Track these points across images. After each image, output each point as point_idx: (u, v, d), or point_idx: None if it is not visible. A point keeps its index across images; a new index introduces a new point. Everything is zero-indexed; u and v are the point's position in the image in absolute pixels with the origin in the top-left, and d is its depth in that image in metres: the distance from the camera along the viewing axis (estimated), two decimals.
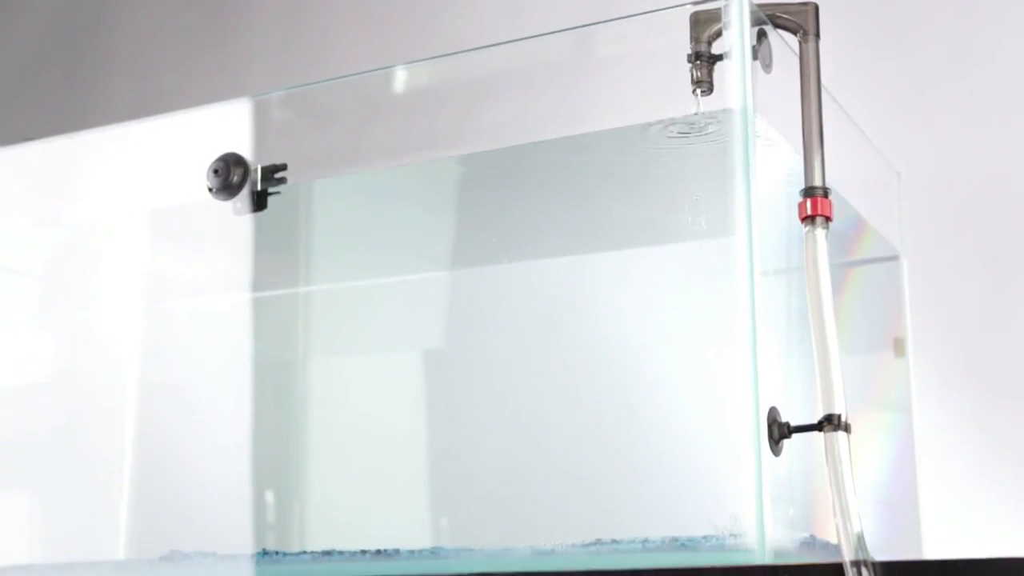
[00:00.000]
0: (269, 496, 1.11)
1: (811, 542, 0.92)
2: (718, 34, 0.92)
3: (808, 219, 0.91)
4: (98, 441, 1.20)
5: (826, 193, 0.91)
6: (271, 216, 1.10)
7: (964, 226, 1.39)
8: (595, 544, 0.92)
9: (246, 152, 1.10)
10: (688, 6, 0.92)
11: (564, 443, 0.98)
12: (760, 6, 0.93)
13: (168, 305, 1.24)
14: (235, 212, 1.10)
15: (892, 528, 1.15)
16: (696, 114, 0.94)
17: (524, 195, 1.09)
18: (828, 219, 0.91)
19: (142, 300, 1.24)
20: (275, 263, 1.19)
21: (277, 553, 1.04)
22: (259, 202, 1.09)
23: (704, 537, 0.89)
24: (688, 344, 0.96)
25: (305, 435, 1.13)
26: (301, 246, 1.17)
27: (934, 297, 1.35)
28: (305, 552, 1.04)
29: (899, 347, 1.27)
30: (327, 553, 1.02)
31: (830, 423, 0.85)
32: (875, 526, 0.85)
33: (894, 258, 1.24)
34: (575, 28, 1.02)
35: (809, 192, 0.92)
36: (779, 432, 0.89)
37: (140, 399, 1.20)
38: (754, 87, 0.90)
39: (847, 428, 0.86)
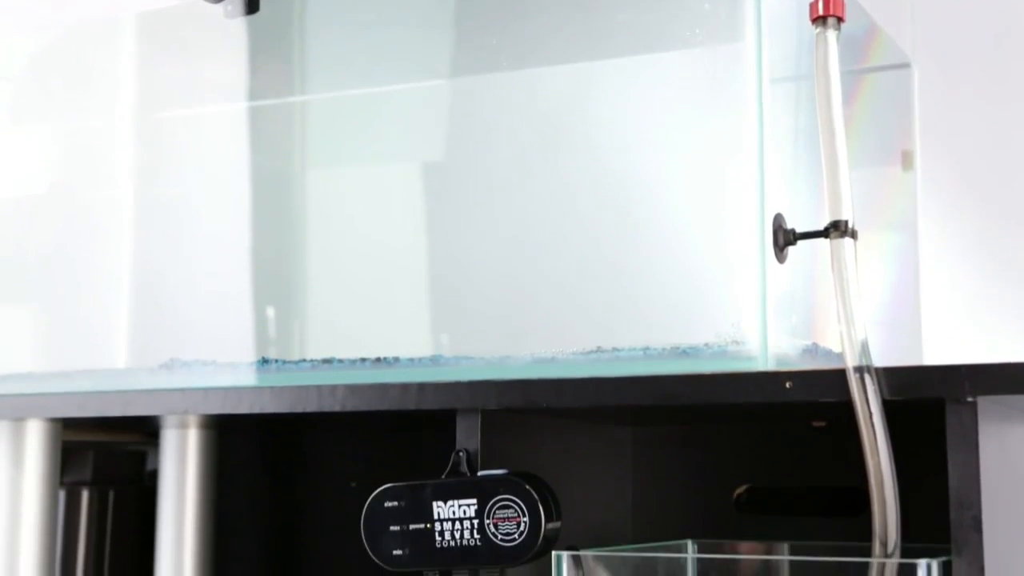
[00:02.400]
0: (268, 307, 1.11)
1: (813, 350, 0.91)
2: None
3: (819, 19, 0.87)
4: (97, 254, 1.19)
5: None
6: (264, 20, 1.07)
7: (977, 37, 1.35)
8: (595, 352, 0.92)
9: None
10: None
11: (566, 252, 0.97)
12: None
13: (160, 116, 1.21)
14: (226, 15, 1.07)
15: (894, 347, 1.15)
16: None
17: (526, 0, 1.05)
18: (840, 20, 0.88)
19: (134, 111, 1.22)
20: (269, 71, 1.16)
21: (277, 361, 1.04)
22: (251, 4, 1.06)
23: (706, 345, 0.88)
24: (693, 151, 0.94)
25: (304, 247, 1.12)
26: (296, 53, 1.14)
27: (944, 109, 1.33)
28: (305, 360, 1.03)
29: (907, 160, 1.24)
30: (327, 361, 1.02)
31: (836, 229, 0.84)
32: (877, 346, 0.84)
33: (905, 66, 1.21)
34: None
35: None
36: (784, 239, 0.88)
37: (137, 212, 1.19)
38: None
39: (854, 234, 0.84)
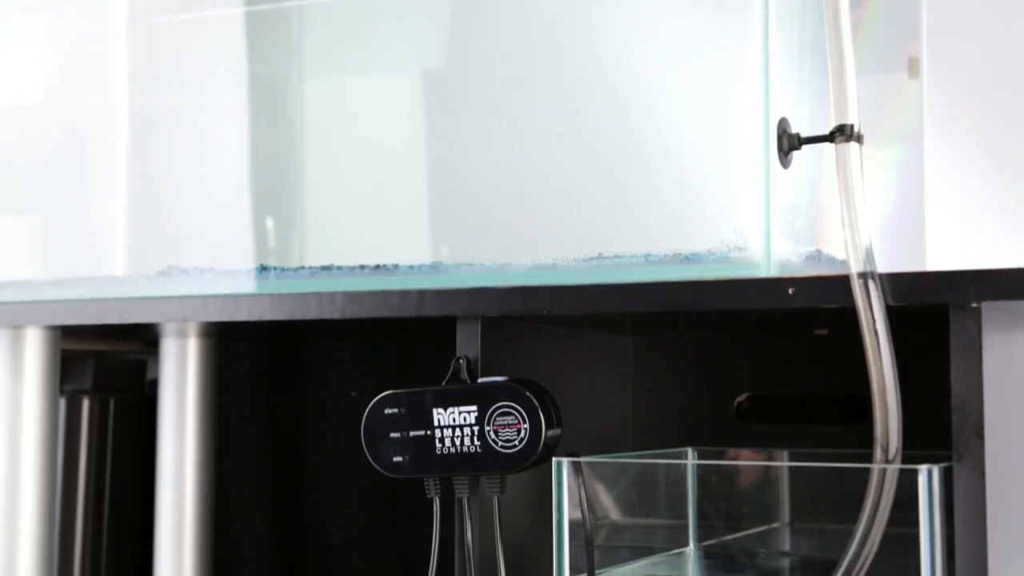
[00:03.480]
0: (267, 215, 1.10)
1: (817, 256, 0.90)
2: None
3: None
4: (94, 161, 1.18)
5: None
6: None
7: None
8: (597, 259, 0.91)
9: None
10: None
11: (567, 159, 0.96)
12: None
13: (156, 22, 1.19)
14: None
15: (897, 260, 1.14)
16: None
17: None
18: None
19: (129, 16, 1.20)
20: None
21: (276, 269, 1.04)
22: None
23: (708, 251, 0.87)
24: (696, 54, 0.92)
25: (302, 154, 1.10)
26: None
27: (952, 14, 1.30)
28: (304, 267, 1.03)
29: (914, 67, 1.23)
30: (326, 268, 1.01)
31: (842, 133, 0.83)
32: (881, 258, 0.83)
33: None
34: None
35: None
36: (788, 143, 0.86)
37: (134, 119, 1.17)
38: None
39: (859, 139, 0.83)
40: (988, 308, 0.78)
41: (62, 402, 1.33)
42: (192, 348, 1.32)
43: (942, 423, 0.79)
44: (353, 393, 1.34)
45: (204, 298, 1.02)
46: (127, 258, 1.13)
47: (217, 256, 1.07)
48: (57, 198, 1.18)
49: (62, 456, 1.33)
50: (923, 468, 0.77)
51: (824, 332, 1.08)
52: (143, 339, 1.38)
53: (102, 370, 1.38)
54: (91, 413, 1.37)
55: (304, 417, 1.40)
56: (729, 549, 0.99)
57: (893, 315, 0.80)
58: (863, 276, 0.79)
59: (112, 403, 1.38)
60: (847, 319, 0.81)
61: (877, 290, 0.79)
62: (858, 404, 1.05)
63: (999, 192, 1.33)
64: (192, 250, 1.08)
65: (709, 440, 1.10)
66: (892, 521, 0.80)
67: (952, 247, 1.27)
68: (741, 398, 1.13)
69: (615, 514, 0.95)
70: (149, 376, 1.45)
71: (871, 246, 0.81)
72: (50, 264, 1.17)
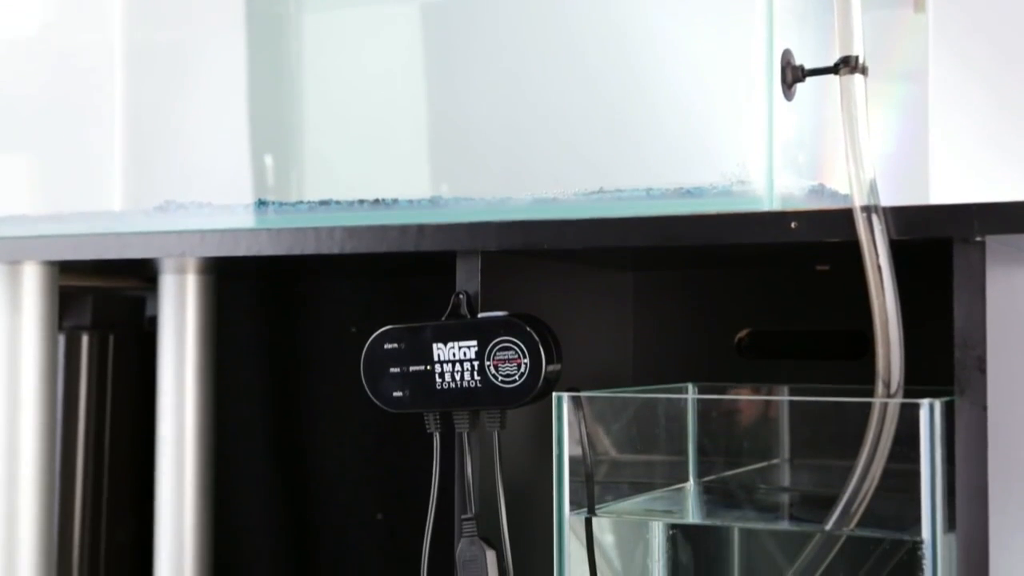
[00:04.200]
0: (265, 150, 1.09)
1: (820, 191, 0.90)
2: None
3: None
4: (91, 96, 1.16)
5: None
6: None
7: None
8: (598, 193, 0.90)
9: None
10: None
11: (567, 92, 0.95)
12: None
13: None
14: None
15: (900, 197, 1.13)
16: None
17: None
18: None
19: None
20: None
21: (274, 203, 1.03)
22: None
23: (711, 185, 0.86)
24: None
25: (301, 88, 1.09)
26: None
27: None
28: (302, 202, 1.02)
29: (919, 1, 1.21)
30: (324, 203, 1.00)
31: (847, 65, 0.82)
32: (884, 193, 0.82)
33: None
34: None
35: None
36: (792, 76, 0.85)
37: (130, 53, 1.16)
38: None
39: (864, 71, 0.82)
40: (992, 242, 0.77)
41: (61, 338, 1.33)
42: (191, 284, 1.32)
43: (944, 360, 0.79)
44: (353, 330, 1.34)
45: (202, 233, 1.01)
46: (125, 193, 1.12)
47: (215, 191, 1.06)
48: (54, 133, 1.17)
49: (62, 392, 1.33)
50: (924, 402, 0.77)
51: (826, 268, 1.07)
52: (142, 276, 1.37)
53: (101, 306, 1.38)
54: (90, 349, 1.36)
55: (304, 354, 1.40)
56: (729, 485, 0.99)
57: (896, 250, 0.79)
58: (866, 209, 0.79)
59: (111, 339, 1.38)
60: (849, 255, 0.80)
61: (880, 223, 0.78)
62: (859, 341, 1.05)
63: (1004, 128, 1.32)
64: (190, 185, 1.08)
65: (710, 377, 1.10)
66: (893, 456, 0.79)
67: (956, 184, 1.26)
68: (742, 334, 1.12)
69: (615, 450, 0.95)
70: (148, 313, 1.44)
71: (875, 179, 0.80)
72: (48, 199, 1.16)
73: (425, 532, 0.93)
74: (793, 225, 0.81)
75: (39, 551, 1.15)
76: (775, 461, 1.01)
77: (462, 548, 0.92)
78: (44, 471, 1.16)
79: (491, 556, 0.91)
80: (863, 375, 0.82)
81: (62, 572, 1.33)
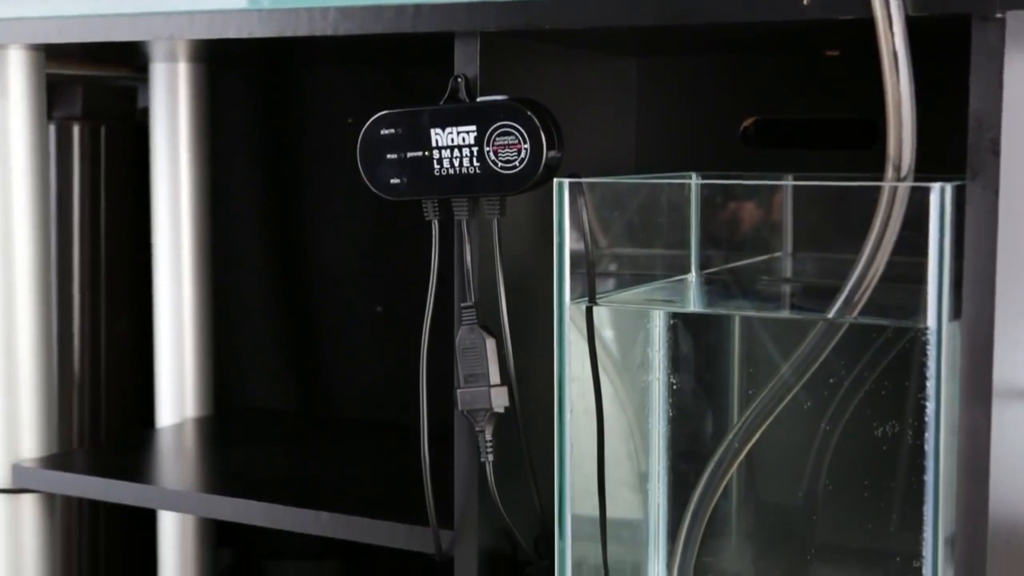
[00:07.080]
0: None
1: None
2: None
3: None
4: None
5: None
6: None
7: None
8: None
9: None
10: None
11: None
12: None
13: None
14: None
15: None
16: None
17: None
18: None
19: None
20: None
21: None
22: None
23: None
24: None
25: None
26: None
27: None
28: None
29: None
30: None
31: None
32: None
33: None
34: None
35: None
36: None
37: None
38: None
39: None
40: (1013, 19, 0.74)
41: (52, 129, 1.31)
42: (183, 73, 1.29)
43: (955, 150, 0.77)
44: (350, 120, 1.31)
45: (191, 14, 0.98)
46: None
47: None
48: None
49: (55, 184, 1.31)
50: (935, 186, 0.75)
51: (835, 53, 1.04)
52: (132, 64, 1.34)
53: (92, 96, 1.35)
54: (82, 140, 1.34)
55: (300, 145, 1.37)
56: (731, 276, 0.98)
57: (911, 29, 0.76)
58: None
59: (103, 130, 1.35)
60: (861, 36, 0.77)
61: None
62: (870, 129, 1.02)
63: None
64: None
65: (715, 167, 1.07)
66: (900, 244, 0.78)
67: None
68: (748, 122, 1.10)
69: (616, 242, 0.93)
70: (140, 104, 1.41)
71: None
72: None
73: (424, 320, 0.92)
74: (805, 2, 0.78)
75: (38, 340, 1.15)
76: (778, 254, 0.99)
77: (461, 336, 0.91)
78: (40, 261, 1.15)
79: (491, 344, 0.91)
80: (875, 166, 0.80)
81: (63, 362, 1.34)
